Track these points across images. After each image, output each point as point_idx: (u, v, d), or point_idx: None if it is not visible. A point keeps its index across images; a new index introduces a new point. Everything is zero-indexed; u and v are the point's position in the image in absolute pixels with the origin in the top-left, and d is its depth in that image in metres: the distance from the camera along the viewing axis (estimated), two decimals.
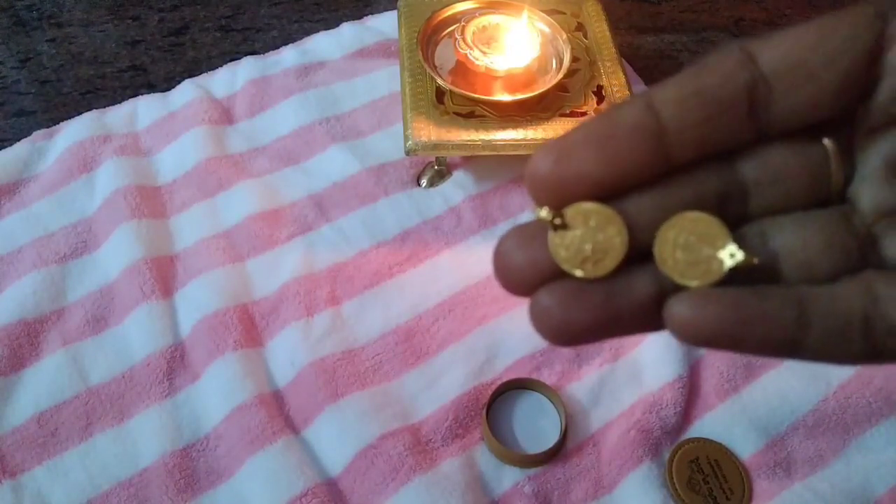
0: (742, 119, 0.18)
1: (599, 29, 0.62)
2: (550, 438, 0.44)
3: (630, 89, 0.57)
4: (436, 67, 0.57)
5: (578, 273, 0.17)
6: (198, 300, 0.50)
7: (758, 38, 0.18)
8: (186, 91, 0.63)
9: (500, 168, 0.59)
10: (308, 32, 0.70)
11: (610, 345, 0.49)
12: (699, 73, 0.18)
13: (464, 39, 0.56)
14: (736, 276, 0.18)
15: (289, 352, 0.48)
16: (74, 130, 0.60)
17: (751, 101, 0.18)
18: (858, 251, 0.19)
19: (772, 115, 0.18)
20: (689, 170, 0.18)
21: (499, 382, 0.47)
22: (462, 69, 0.57)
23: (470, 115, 0.55)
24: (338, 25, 0.70)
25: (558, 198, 0.17)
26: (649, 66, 0.69)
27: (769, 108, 0.18)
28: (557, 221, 0.17)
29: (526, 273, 0.17)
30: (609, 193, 0.18)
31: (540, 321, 0.17)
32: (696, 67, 0.19)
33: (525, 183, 0.18)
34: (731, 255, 0.18)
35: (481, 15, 0.59)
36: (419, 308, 0.51)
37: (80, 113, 0.62)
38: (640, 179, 0.18)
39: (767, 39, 0.18)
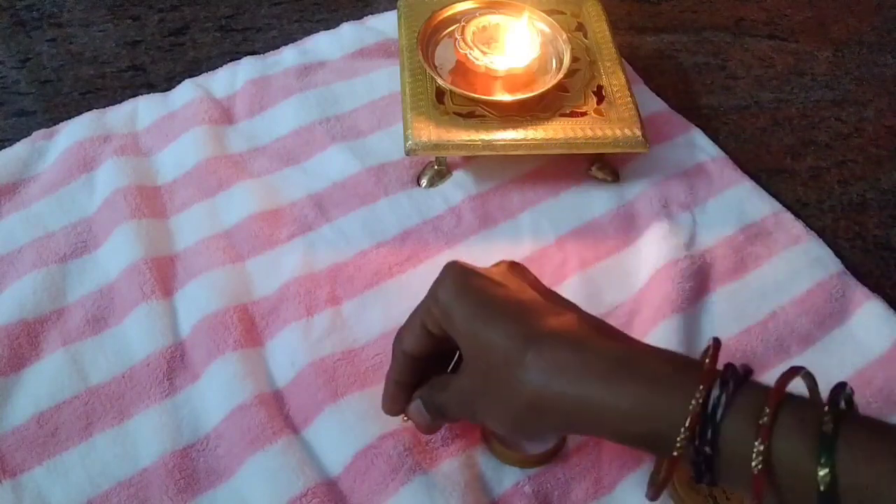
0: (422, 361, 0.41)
1: (599, 29, 0.62)
2: (551, 438, 0.44)
3: (630, 89, 0.57)
4: (436, 67, 0.57)
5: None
6: (198, 300, 0.50)
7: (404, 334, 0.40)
8: (186, 91, 0.63)
9: (500, 168, 0.59)
10: (308, 32, 0.70)
11: None
12: (393, 369, 0.42)
13: (464, 39, 0.56)
14: None
15: (289, 352, 0.48)
16: (74, 130, 0.60)
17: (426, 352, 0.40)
18: None
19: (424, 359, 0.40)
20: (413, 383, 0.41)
21: None
22: (462, 69, 0.57)
23: (470, 115, 0.55)
24: (338, 25, 0.70)
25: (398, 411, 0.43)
26: (649, 66, 0.69)
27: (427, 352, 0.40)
28: (404, 419, 0.43)
29: (399, 410, 0.42)
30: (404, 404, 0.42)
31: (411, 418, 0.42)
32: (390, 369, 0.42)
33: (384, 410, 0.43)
34: None
35: (481, 15, 0.59)
36: None
37: (80, 113, 0.62)
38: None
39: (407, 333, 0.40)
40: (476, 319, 0.35)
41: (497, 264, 0.40)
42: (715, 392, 0.31)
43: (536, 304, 0.36)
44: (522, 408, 0.34)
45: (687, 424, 0.30)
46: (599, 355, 0.34)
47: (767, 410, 0.29)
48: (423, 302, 0.38)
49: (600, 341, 0.35)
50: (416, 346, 0.39)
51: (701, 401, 0.30)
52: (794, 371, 0.32)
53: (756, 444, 0.29)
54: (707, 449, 0.30)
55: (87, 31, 0.71)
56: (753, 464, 0.29)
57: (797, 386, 0.32)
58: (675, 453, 0.31)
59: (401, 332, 0.40)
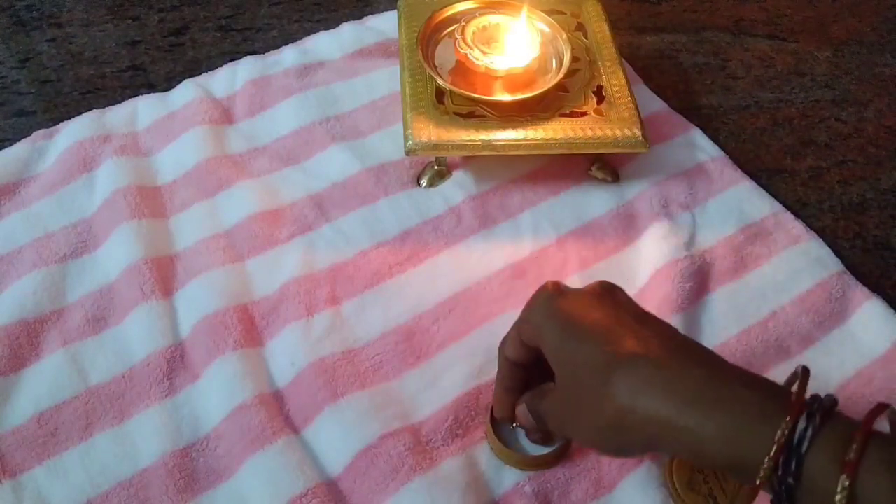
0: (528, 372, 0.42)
1: (599, 29, 0.62)
2: (556, 440, 0.44)
3: (630, 89, 0.57)
4: (436, 67, 0.57)
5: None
6: (198, 300, 0.50)
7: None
8: (186, 91, 0.63)
9: (500, 168, 0.59)
10: (308, 32, 0.70)
11: None
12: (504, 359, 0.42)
13: (464, 39, 0.56)
14: None
15: (289, 352, 0.48)
16: (74, 130, 0.60)
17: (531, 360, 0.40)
18: None
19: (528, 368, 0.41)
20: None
21: None
22: (462, 69, 0.57)
23: (470, 115, 0.55)
24: (338, 25, 0.70)
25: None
26: (649, 66, 0.69)
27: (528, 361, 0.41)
28: (513, 426, 0.45)
29: (507, 414, 0.43)
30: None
31: (518, 420, 0.43)
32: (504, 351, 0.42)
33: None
34: None
35: (481, 15, 0.59)
36: (419, 308, 0.51)
37: (80, 113, 0.62)
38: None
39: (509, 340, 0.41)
40: (564, 340, 0.37)
41: (590, 285, 0.40)
42: (801, 424, 0.31)
43: (624, 328, 0.36)
44: (606, 425, 0.35)
45: (771, 455, 0.30)
46: (685, 378, 0.34)
47: (854, 447, 0.30)
48: (520, 316, 0.40)
49: (687, 364, 0.35)
50: (515, 354, 0.41)
51: (787, 432, 0.31)
52: (882, 407, 0.32)
53: (842, 478, 0.29)
54: (790, 480, 0.30)
55: (87, 31, 0.71)
56: (838, 498, 0.29)
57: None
58: (757, 482, 0.31)
59: (505, 340, 0.42)
